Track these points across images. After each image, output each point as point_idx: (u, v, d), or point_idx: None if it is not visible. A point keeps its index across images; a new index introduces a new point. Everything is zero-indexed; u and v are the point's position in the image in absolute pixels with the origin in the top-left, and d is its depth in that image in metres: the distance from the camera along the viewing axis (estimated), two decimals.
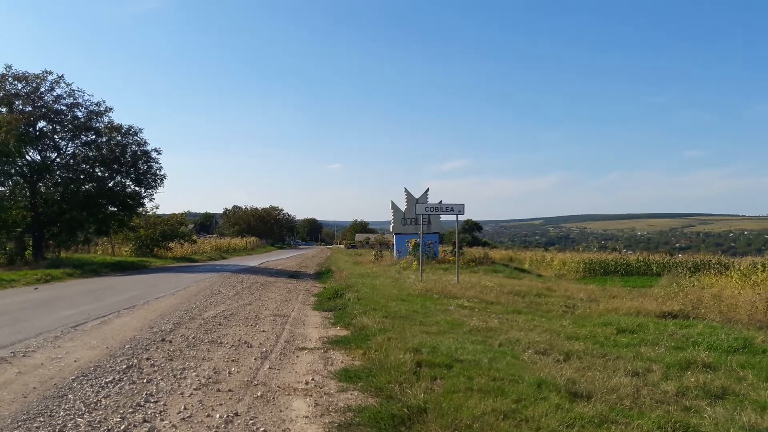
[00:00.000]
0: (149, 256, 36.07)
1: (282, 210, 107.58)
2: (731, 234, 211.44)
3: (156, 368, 6.95)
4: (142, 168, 30.69)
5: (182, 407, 5.42)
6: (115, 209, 30.80)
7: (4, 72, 26.34)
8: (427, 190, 35.70)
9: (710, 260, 32.30)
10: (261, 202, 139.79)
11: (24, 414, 5.14)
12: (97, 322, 10.36)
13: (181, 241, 42.91)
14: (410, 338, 8.26)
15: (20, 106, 25.83)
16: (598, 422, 4.84)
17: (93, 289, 16.65)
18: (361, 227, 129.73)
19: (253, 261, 38.66)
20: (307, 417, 5.27)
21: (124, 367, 6.95)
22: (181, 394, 5.90)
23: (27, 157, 27.19)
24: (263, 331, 9.94)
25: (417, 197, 35.32)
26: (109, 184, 29.92)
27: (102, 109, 28.94)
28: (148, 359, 7.41)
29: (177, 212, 46.95)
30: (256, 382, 6.42)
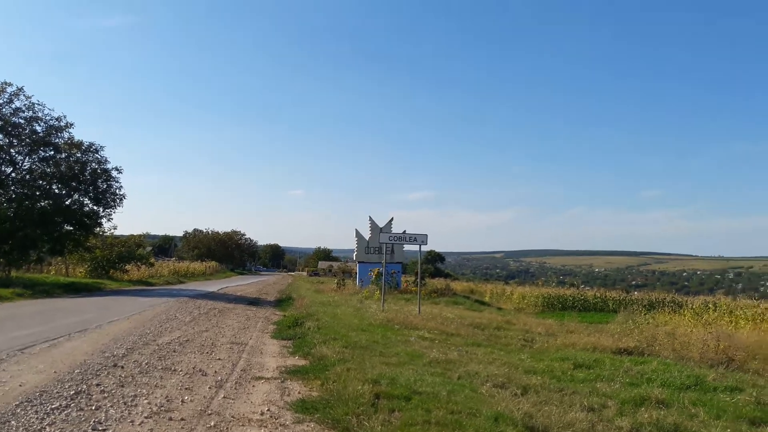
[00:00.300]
0: (104, 278, 35.10)
1: (244, 234, 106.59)
2: (685, 273, 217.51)
3: (106, 395, 6.72)
4: (102, 187, 30.02)
5: None
6: (71, 228, 29.92)
7: None
8: (392, 219, 35.83)
9: (665, 298, 33.13)
10: (223, 226, 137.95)
11: None
12: (45, 345, 9.99)
13: (139, 263, 41.99)
14: (370, 369, 8.19)
15: None
16: None
17: (43, 311, 16.08)
18: (325, 254, 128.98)
19: (212, 286, 37.96)
20: None
21: (72, 393, 6.69)
22: (131, 422, 5.70)
23: None
24: (219, 359, 9.73)
25: (381, 226, 35.39)
26: (66, 202, 29.13)
27: (62, 124, 28.33)
28: (98, 385, 7.16)
29: (135, 234, 46.11)
30: (209, 412, 6.25)
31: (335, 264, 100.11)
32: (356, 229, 37.61)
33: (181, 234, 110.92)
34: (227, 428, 5.69)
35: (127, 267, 40.13)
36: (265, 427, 5.80)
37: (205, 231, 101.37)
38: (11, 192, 27.60)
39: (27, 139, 27.16)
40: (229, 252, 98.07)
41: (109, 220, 31.77)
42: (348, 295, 28.32)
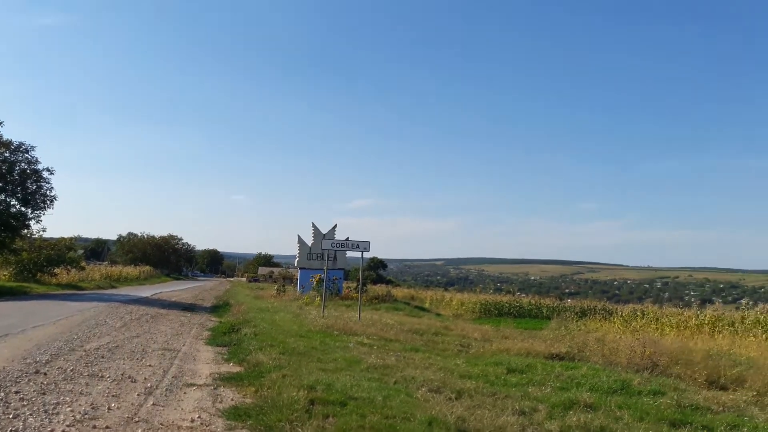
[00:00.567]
0: (31, 282, 33.45)
1: (181, 239, 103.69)
2: (615, 282, 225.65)
3: (25, 402, 6.39)
4: (31, 188, 28.71)
5: None
6: None
7: None
8: (335, 226, 35.68)
9: (596, 306, 34.29)
10: (159, 230, 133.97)
11: None
12: None
13: (68, 267, 40.28)
14: (306, 375, 8.12)
15: None
16: None
17: None
18: (266, 260, 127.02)
19: (146, 291, 36.80)
20: None
21: None
22: (52, 430, 5.45)
23: None
24: (150, 365, 9.43)
25: (324, 232, 35.20)
26: None
27: None
28: (17, 392, 6.81)
29: (66, 236, 44.24)
30: (137, 419, 6.05)
31: (276, 270, 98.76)
32: (299, 235, 37.27)
33: (114, 238, 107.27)
34: None
35: (56, 270, 38.38)
36: None
37: (140, 235, 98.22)
38: None
39: None
40: (166, 257, 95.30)
41: (37, 222, 30.39)
42: (288, 302, 28.02)
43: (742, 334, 18.29)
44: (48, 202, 29.49)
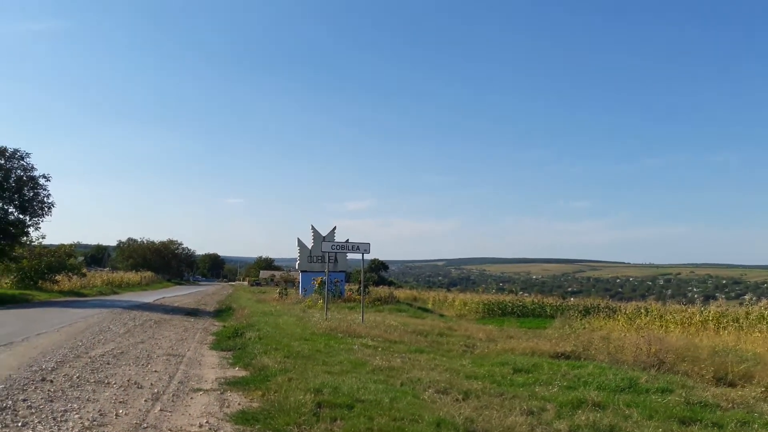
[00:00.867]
0: (33, 289, 33.41)
1: (181, 244, 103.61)
2: (618, 280, 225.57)
3: (33, 410, 6.38)
4: (28, 195, 28.65)
5: None
6: None
7: None
8: (335, 228, 35.67)
9: (599, 304, 34.21)
10: (158, 236, 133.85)
11: None
12: None
13: (70, 274, 40.25)
14: (312, 378, 8.11)
15: None
16: None
17: None
18: (267, 264, 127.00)
19: (148, 297, 36.78)
20: None
21: None
22: None
23: None
24: (155, 371, 9.41)
25: (324, 235, 35.18)
26: None
27: None
28: (24, 400, 6.80)
29: (66, 243, 44.19)
30: (145, 425, 6.04)
31: (277, 273, 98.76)
32: (298, 238, 37.25)
33: (114, 244, 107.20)
34: None
35: (58, 277, 38.39)
36: None
37: (139, 240, 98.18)
38: None
39: None
40: (166, 262, 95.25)
41: (36, 229, 30.35)
42: (291, 305, 27.99)
43: (747, 330, 18.26)
44: (46, 208, 29.46)
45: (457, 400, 7.30)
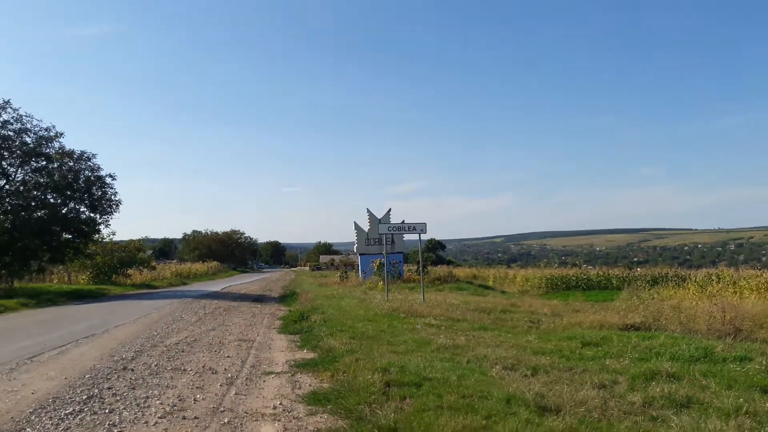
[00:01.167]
0: (107, 284, 35.12)
1: (243, 233, 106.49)
2: (686, 247, 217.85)
3: (118, 398, 6.73)
4: (96, 194, 29.95)
5: None
6: (70, 236, 29.84)
7: None
8: (389, 210, 35.74)
9: (668, 273, 33.10)
10: (221, 226, 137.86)
11: None
12: (54, 353, 10.00)
13: (140, 267, 42.03)
14: (378, 358, 8.20)
15: None
16: None
17: (49, 319, 16.09)
18: (325, 249, 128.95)
19: (216, 286, 37.99)
20: None
21: (85, 397, 6.71)
22: (146, 423, 5.72)
23: None
24: (228, 356, 9.74)
25: (379, 217, 35.33)
26: (63, 211, 29.02)
27: (52, 134, 28.20)
28: (109, 389, 7.17)
29: (134, 238, 46.11)
30: (222, 409, 6.27)
31: (337, 257, 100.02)
32: (355, 222, 37.57)
33: (180, 236, 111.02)
34: (241, 424, 5.71)
35: (129, 271, 40.21)
36: (279, 420, 5.81)
37: (203, 232, 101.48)
38: (6, 204, 27.48)
39: (18, 151, 27.03)
40: (230, 251, 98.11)
41: (107, 227, 31.74)
42: (352, 287, 28.36)
43: None
44: (114, 206, 30.73)
45: (525, 375, 7.24)
